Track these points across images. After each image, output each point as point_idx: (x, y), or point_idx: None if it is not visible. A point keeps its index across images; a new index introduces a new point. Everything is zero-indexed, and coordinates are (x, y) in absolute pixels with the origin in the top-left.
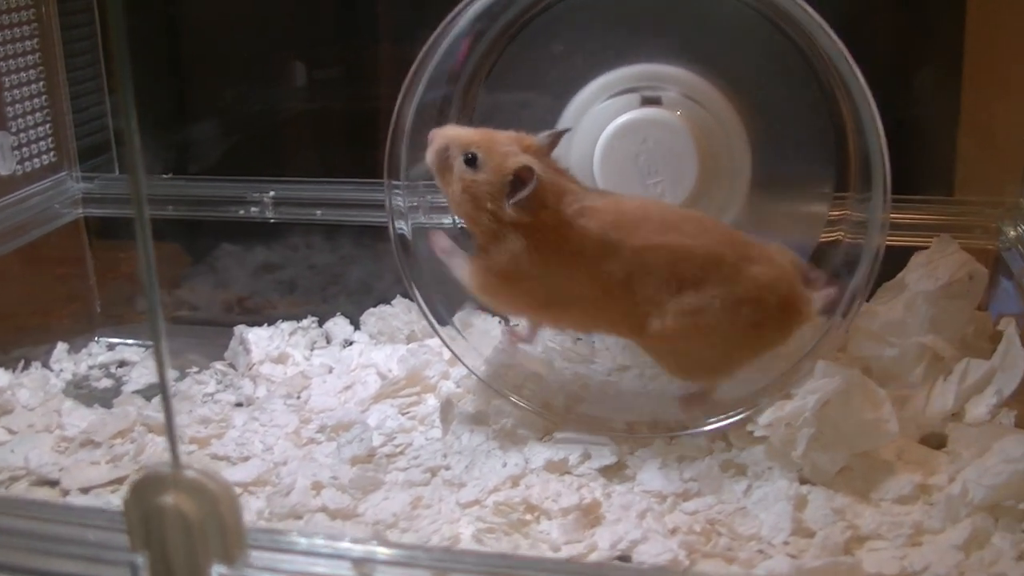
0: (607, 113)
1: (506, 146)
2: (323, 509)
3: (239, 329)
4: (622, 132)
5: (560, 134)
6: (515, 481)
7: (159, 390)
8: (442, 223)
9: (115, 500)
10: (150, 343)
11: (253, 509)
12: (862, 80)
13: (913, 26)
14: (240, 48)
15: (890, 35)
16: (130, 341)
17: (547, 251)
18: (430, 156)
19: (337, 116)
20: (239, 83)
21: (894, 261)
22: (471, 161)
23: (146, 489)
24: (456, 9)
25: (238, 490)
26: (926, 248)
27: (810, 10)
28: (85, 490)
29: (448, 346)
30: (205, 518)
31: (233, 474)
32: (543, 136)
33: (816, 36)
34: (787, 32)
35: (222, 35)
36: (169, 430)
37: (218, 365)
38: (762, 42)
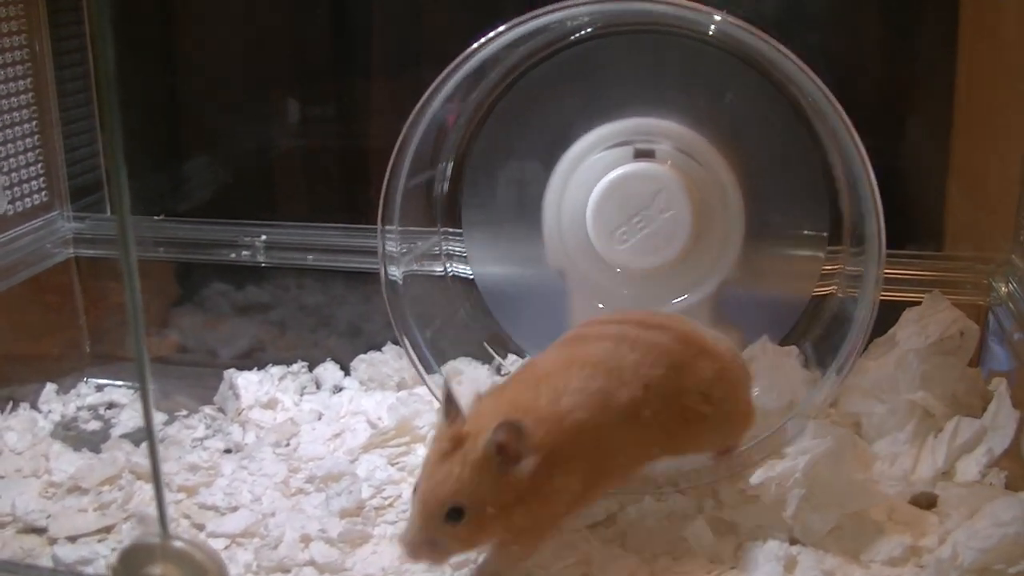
0: (600, 166)
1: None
2: (311, 563)
3: (229, 373)
4: (615, 185)
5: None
6: None
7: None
8: (433, 271)
9: (102, 550)
10: (139, 385)
11: (241, 562)
12: (855, 136)
13: (902, 76)
14: (233, 90)
15: (878, 85)
16: (119, 383)
17: (566, 455)
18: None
19: (331, 159)
20: (232, 125)
21: (884, 316)
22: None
23: (134, 558)
24: (455, 62)
25: (226, 542)
26: (917, 303)
27: (802, 65)
28: (72, 539)
29: (436, 396)
30: None
31: (221, 525)
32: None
33: (807, 90)
34: (779, 85)
35: (215, 77)
36: (159, 500)
37: (207, 409)
38: (754, 95)
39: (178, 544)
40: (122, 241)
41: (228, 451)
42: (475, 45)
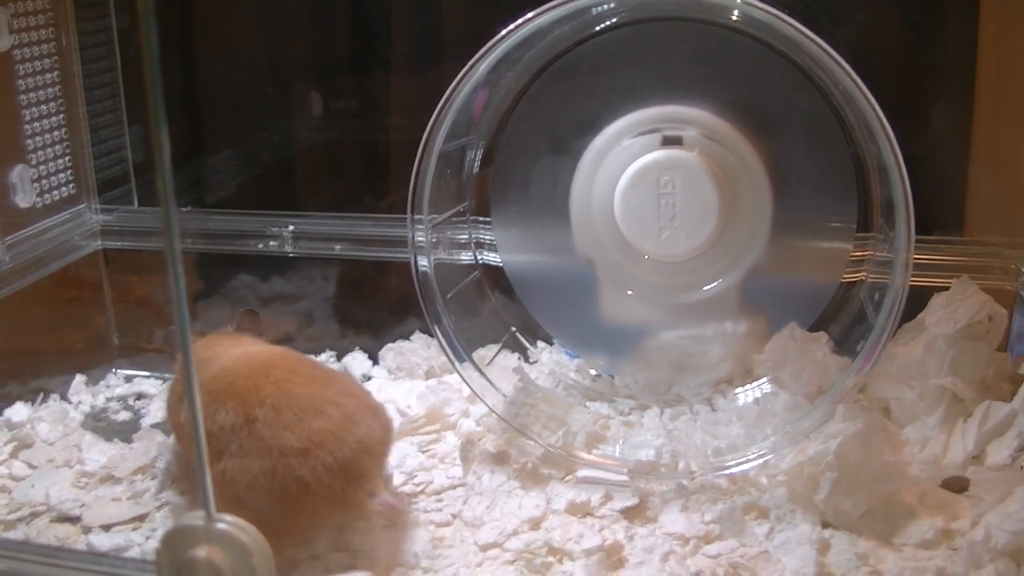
0: (628, 154)
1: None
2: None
3: None
4: (643, 173)
5: None
6: (536, 523)
7: None
8: (460, 259)
9: (136, 537)
10: (167, 375)
11: None
12: (884, 120)
13: (923, 62)
14: (258, 81)
15: (899, 72)
16: (146, 373)
17: None
18: None
19: (357, 149)
20: (258, 116)
21: (912, 301)
22: None
23: (178, 541)
24: (479, 53)
25: None
26: (944, 289)
27: (830, 50)
28: (106, 527)
29: (469, 384)
30: (238, 571)
31: None
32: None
33: (836, 76)
34: (807, 72)
35: (240, 68)
36: (201, 482)
37: None
38: (781, 83)
39: (222, 526)
40: (166, 231)
41: None
42: (502, 32)
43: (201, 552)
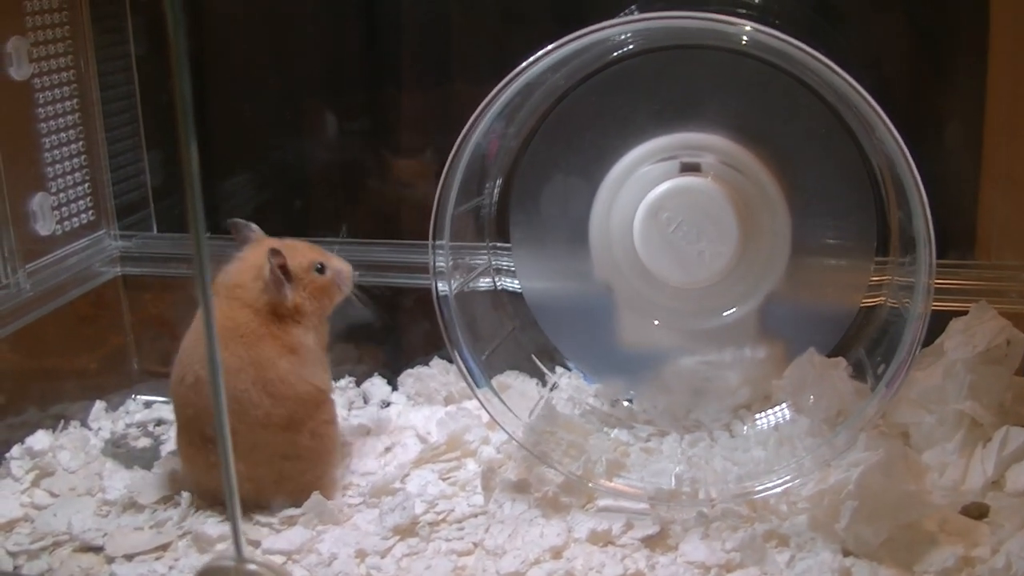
0: (646, 180)
1: None
2: None
3: None
4: (661, 199)
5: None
6: (557, 552)
7: None
8: (482, 286)
9: (159, 568)
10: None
11: None
12: (902, 144)
13: (933, 82)
14: (271, 108)
15: (909, 91)
16: (165, 399)
17: None
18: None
19: (374, 176)
20: (273, 142)
21: (930, 326)
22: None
23: None
24: (502, 83)
25: (281, 559)
26: (962, 313)
27: (844, 74)
28: (129, 557)
29: (488, 411)
30: None
31: (276, 542)
32: None
33: (851, 100)
34: (822, 96)
35: (257, 93)
36: (233, 524)
37: None
38: (797, 108)
39: (252, 567)
40: (197, 258)
41: None
42: (523, 65)
43: None
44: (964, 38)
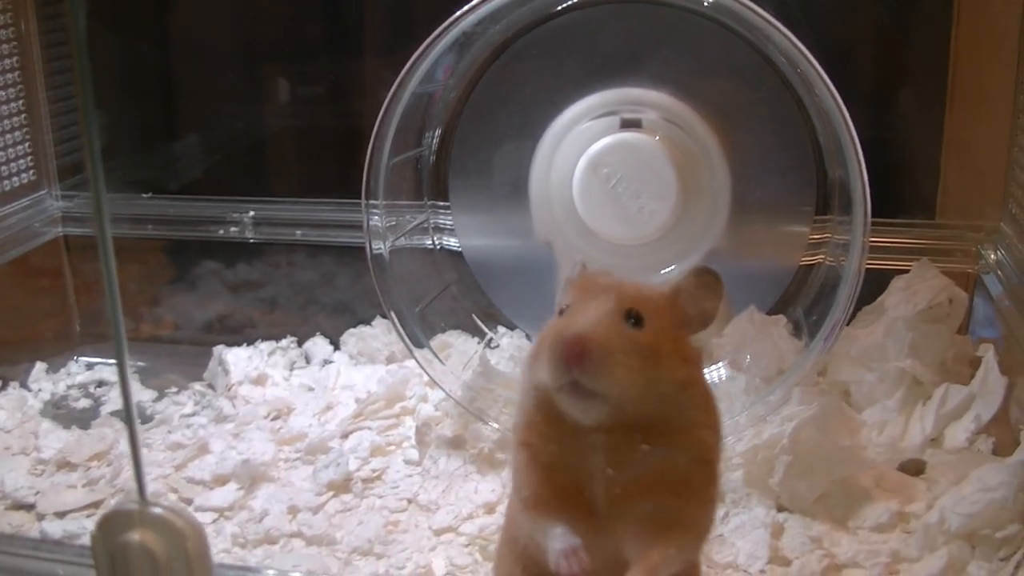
0: (587, 136)
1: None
2: (298, 534)
3: (218, 349)
4: (600, 156)
5: None
6: (491, 508)
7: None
8: (421, 244)
9: (90, 524)
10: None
11: (228, 534)
12: (839, 100)
13: (897, 47)
14: (223, 68)
15: (874, 57)
16: (109, 360)
17: None
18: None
19: (320, 134)
20: (220, 102)
21: (874, 284)
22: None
23: (113, 525)
24: (436, 31)
25: (214, 515)
26: (906, 272)
27: (789, 34)
28: (61, 514)
29: (424, 369)
30: (172, 556)
31: (209, 499)
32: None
33: (792, 57)
34: (767, 57)
35: (206, 54)
36: (136, 464)
37: (197, 386)
38: (742, 67)
39: (156, 510)
40: (97, 218)
41: (217, 426)
42: (457, 14)
43: (135, 536)
44: (929, 8)
